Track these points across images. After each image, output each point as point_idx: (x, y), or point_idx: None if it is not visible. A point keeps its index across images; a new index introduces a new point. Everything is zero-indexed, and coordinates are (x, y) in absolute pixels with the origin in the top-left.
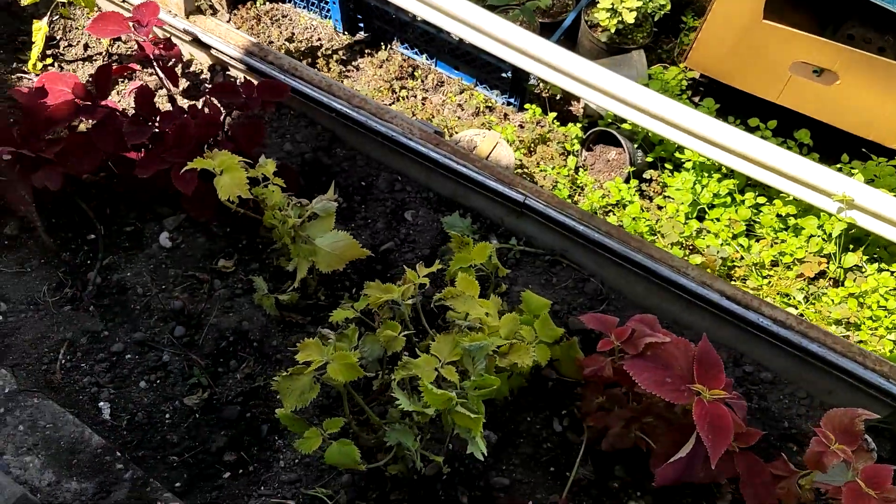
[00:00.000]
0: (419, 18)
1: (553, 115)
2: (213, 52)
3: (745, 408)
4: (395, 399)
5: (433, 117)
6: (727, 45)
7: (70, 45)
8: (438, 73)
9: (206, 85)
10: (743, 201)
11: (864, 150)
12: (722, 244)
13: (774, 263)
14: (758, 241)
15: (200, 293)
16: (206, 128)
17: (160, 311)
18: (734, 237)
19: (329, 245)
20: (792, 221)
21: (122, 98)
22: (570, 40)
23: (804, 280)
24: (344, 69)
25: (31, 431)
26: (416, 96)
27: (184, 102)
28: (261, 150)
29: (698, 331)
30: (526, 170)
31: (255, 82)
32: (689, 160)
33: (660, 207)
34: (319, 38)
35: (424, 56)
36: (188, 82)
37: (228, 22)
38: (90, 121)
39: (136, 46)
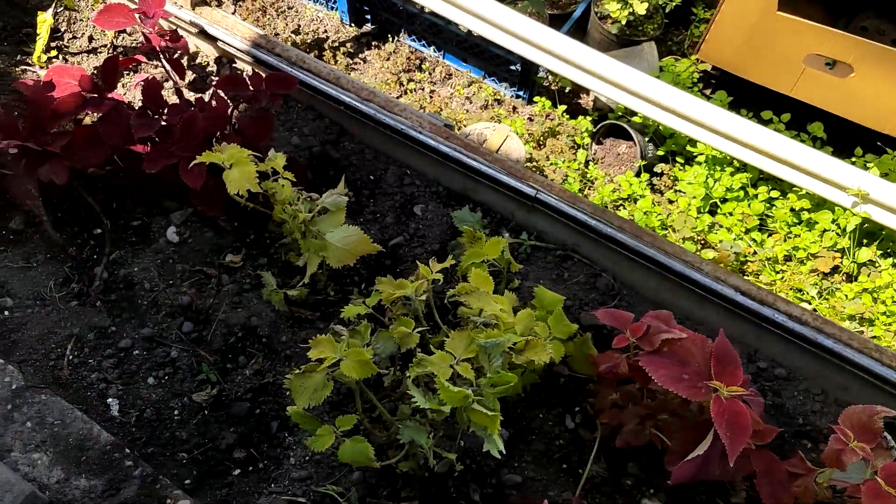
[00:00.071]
0: (427, 10)
1: (563, 108)
2: (219, 44)
3: (762, 404)
4: (407, 396)
5: (441, 110)
6: (740, 37)
7: (74, 38)
8: (446, 65)
9: (213, 77)
10: (756, 195)
11: (878, 143)
12: (735, 239)
13: (788, 258)
14: (770, 235)
15: (208, 288)
16: (213, 121)
17: (168, 306)
18: (747, 232)
19: (340, 240)
20: (805, 216)
21: (127, 91)
22: (579, 32)
23: (818, 275)
24: (351, 62)
25: (39, 428)
26: (423, 89)
27: (190, 95)
28: (268, 143)
29: (711, 326)
30: (535, 163)
31: (263, 75)
32: (702, 154)
33: (671, 201)
34: (326, 30)
35: (432, 48)
36: (194, 75)
37: (234, 13)
38: (96, 114)
39: (141, 39)
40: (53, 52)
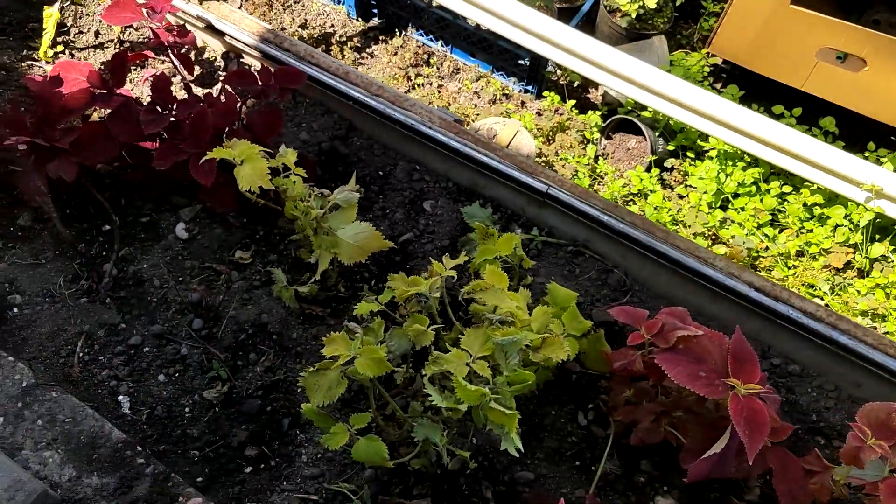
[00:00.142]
0: (434, 3)
1: (572, 102)
2: (226, 38)
3: (779, 402)
4: (420, 393)
5: (449, 105)
6: (752, 30)
7: (81, 33)
8: (454, 60)
9: (220, 72)
10: (768, 190)
11: (893, 138)
12: (747, 234)
13: (800, 254)
14: (781, 231)
15: (218, 285)
16: (223, 117)
17: (178, 303)
18: (759, 227)
19: (352, 237)
20: (818, 211)
21: (134, 86)
22: (588, 26)
23: (830, 271)
24: (358, 56)
25: (50, 426)
26: (431, 84)
27: (197, 90)
28: (276, 139)
29: (723, 322)
30: (545, 158)
31: (272, 70)
32: (714, 148)
33: (681, 197)
34: (332, 25)
35: (440, 43)
36: (201, 70)
37: (240, 8)
38: (105, 110)
39: (148, 34)
40: (59, 47)
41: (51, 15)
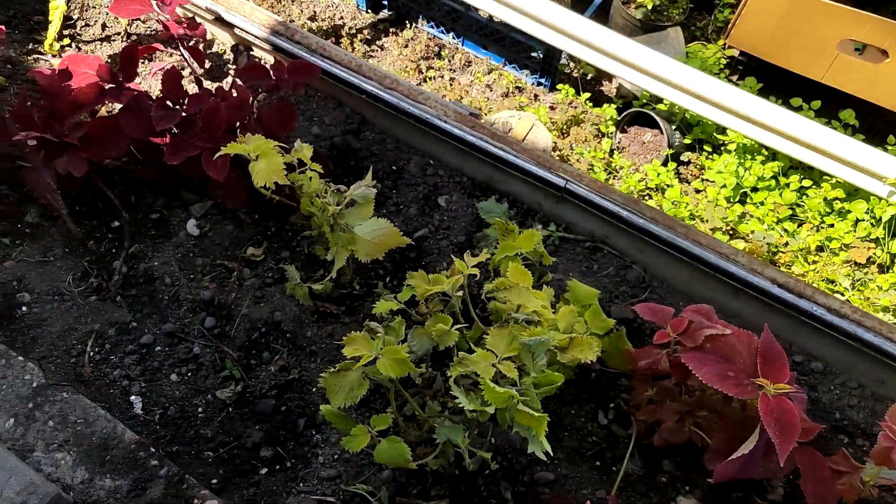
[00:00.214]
0: None
1: (586, 95)
2: (236, 31)
3: (805, 401)
4: (439, 393)
5: (462, 98)
6: (772, 22)
7: (87, 25)
8: (466, 52)
9: (230, 66)
10: (787, 184)
11: None
12: (767, 229)
13: (820, 249)
14: (800, 225)
15: (230, 282)
16: (236, 111)
17: (189, 301)
18: (778, 222)
19: (369, 233)
20: (838, 205)
21: (142, 80)
22: (601, 17)
23: (851, 266)
24: (368, 49)
25: (62, 427)
26: (443, 77)
27: (207, 84)
28: (288, 133)
29: (744, 319)
30: (559, 152)
31: (282, 63)
32: (733, 142)
33: (697, 191)
34: (342, 17)
35: (451, 35)
36: (211, 63)
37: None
38: (115, 104)
39: (155, 26)
40: (66, 40)
41: (56, 7)
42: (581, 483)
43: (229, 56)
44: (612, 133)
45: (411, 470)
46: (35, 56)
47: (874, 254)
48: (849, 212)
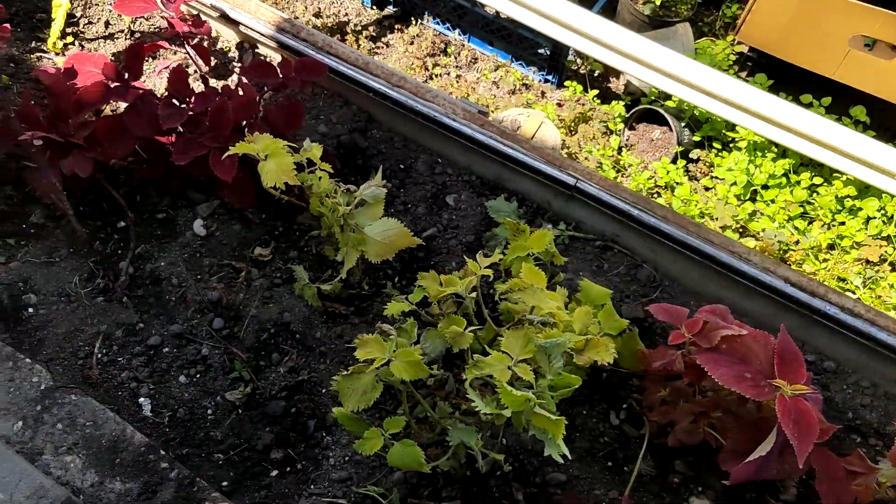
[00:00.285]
0: None
1: (594, 92)
2: (241, 28)
3: (821, 401)
4: (451, 394)
5: (468, 95)
6: (783, 18)
7: (90, 23)
8: (472, 49)
9: (235, 63)
10: (798, 182)
11: None
12: (778, 227)
13: (831, 247)
14: (810, 223)
15: (238, 283)
16: (242, 110)
17: (197, 302)
18: (789, 219)
19: (379, 233)
20: (849, 203)
21: (147, 78)
22: (609, 13)
23: (862, 264)
24: (373, 46)
25: (71, 430)
26: (449, 74)
27: (213, 82)
28: (294, 132)
29: (755, 318)
30: (567, 150)
31: (285, 60)
32: (744, 139)
33: (706, 188)
34: (347, 14)
35: (457, 31)
36: (215, 61)
37: None
38: (119, 103)
39: (159, 24)
40: (69, 38)
41: (60, 5)
42: (593, 484)
43: (234, 54)
44: (620, 130)
45: (422, 471)
46: (38, 54)
47: (886, 252)
48: (860, 209)
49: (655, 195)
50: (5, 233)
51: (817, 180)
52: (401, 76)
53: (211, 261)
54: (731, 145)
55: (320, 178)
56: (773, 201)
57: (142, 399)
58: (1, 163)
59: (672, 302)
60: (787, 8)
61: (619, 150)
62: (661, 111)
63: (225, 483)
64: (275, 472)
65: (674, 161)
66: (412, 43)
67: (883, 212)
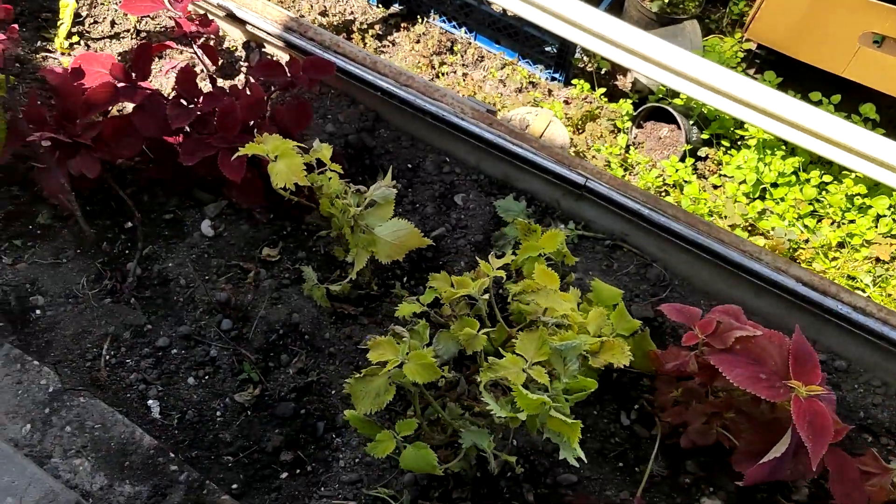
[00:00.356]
0: None
1: (601, 90)
2: (248, 27)
3: (835, 401)
4: (462, 396)
5: (475, 93)
6: (793, 15)
7: (96, 22)
8: (478, 47)
9: (242, 63)
10: (808, 180)
11: None
12: (788, 226)
13: (841, 245)
14: (819, 221)
15: (246, 284)
16: (250, 110)
17: (205, 303)
18: (799, 218)
19: (389, 234)
20: (859, 201)
21: (153, 78)
22: (616, 11)
23: (872, 262)
24: (379, 44)
25: (79, 432)
26: (455, 72)
27: (220, 82)
28: (303, 132)
29: (767, 317)
30: (575, 148)
31: (292, 59)
32: (753, 137)
33: (715, 187)
34: (352, 12)
35: (463, 29)
36: (222, 60)
37: None
38: (127, 104)
39: (165, 23)
40: (75, 38)
41: (67, 4)
42: (604, 484)
43: (241, 53)
44: (628, 128)
45: (433, 473)
46: (43, 54)
47: (894, 250)
48: (870, 207)
49: (664, 194)
50: (12, 234)
51: (827, 178)
52: (409, 75)
53: (219, 261)
54: (739, 143)
55: (330, 178)
56: (782, 199)
57: (150, 401)
58: (7, 163)
59: (682, 301)
60: (796, 5)
61: (627, 148)
62: (670, 109)
63: (235, 485)
64: (285, 475)
65: (682, 159)
66: (418, 41)
67: (893, 209)
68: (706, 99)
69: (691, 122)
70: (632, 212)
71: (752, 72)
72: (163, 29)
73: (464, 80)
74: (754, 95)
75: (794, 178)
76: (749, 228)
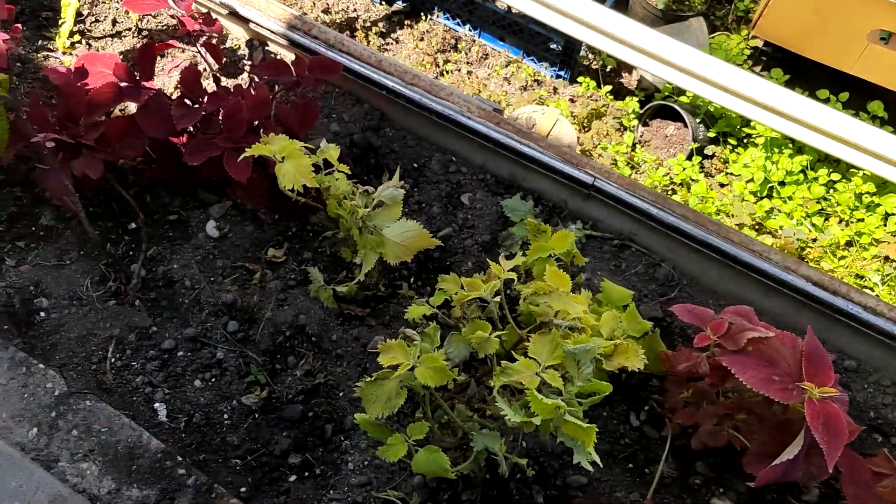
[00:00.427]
0: None
1: (607, 88)
2: (251, 25)
3: (847, 403)
4: (473, 399)
5: (480, 92)
6: (800, 12)
7: (97, 21)
8: (483, 45)
9: (245, 61)
10: (816, 178)
11: None
12: (796, 224)
13: (849, 243)
14: (827, 219)
15: (252, 285)
16: (255, 110)
17: (211, 304)
18: (807, 216)
19: (398, 235)
20: (867, 199)
21: (155, 77)
22: (621, 8)
23: (881, 261)
24: (383, 42)
25: (86, 436)
26: (460, 70)
27: (224, 81)
28: (308, 132)
29: (774, 317)
30: (581, 147)
31: (297, 58)
32: (760, 135)
33: (722, 185)
34: (355, 9)
35: (467, 27)
36: (225, 59)
37: None
38: (131, 104)
39: (167, 21)
40: (76, 37)
41: (68, 3)
42: (615, 486)
43: (244, 52)
44: (634, 127)
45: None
46: (45, 53)
47: None
48: (879, 206)
49: (671, 192)
50: (15, 235)
51: (835, 176)
52: (414, 74)
53: (224, 262)
54: (746, 141)
55: (338, 179)
56: (790, 198)
57: (157, 404)
58: (10, 164)
59: (691, 301)
60: (804, 2)
61: (633, 146)
62: (676, 107)
63: (243, 489)
64: (293, 478)
65: (689, 158)
66: (422, 39)
67: None
68: (713, 96)
69: (698, 120)
70: (640, 211)
71: (758, 69)
72: (165, 27)
73: (468, 78)
74: (761, 93)
75: (801, 176)
76: (757, 227)
